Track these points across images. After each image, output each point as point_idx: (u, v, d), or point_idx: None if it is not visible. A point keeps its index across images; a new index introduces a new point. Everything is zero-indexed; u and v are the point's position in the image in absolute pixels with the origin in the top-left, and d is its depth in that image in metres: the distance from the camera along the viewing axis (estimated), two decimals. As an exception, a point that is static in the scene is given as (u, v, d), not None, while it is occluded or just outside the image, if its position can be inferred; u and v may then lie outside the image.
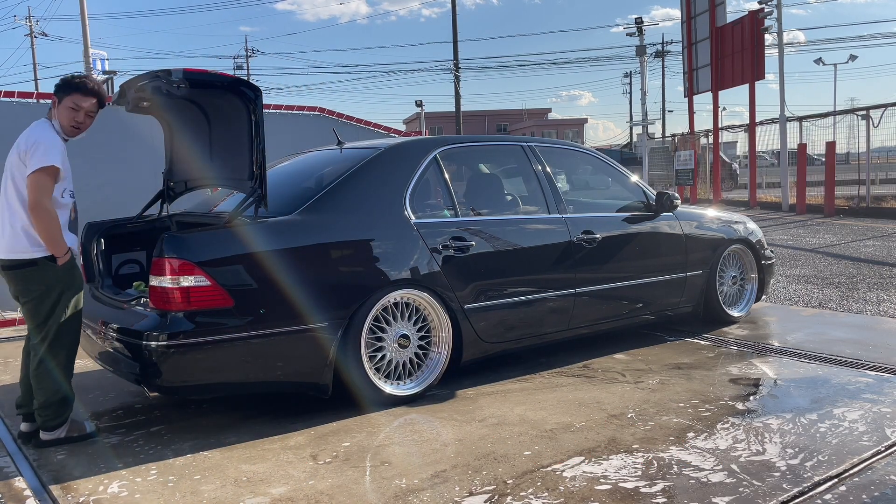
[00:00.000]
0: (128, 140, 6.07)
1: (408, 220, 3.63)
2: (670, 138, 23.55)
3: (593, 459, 2.77)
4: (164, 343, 2.96)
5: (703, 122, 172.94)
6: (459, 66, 32.40)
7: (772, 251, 5.43)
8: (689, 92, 20.42)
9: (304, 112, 7.58)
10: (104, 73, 20.09)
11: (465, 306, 3.70)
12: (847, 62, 39.10)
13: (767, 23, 16.95)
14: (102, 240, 3.94)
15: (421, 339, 3.64)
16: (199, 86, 3.32)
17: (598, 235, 4.25)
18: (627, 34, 30.92)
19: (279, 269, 3.16)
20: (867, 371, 3.83)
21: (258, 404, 3.57)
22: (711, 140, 19.71)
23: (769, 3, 16.90)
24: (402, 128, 14.35)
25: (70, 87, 3.09)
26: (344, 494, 2.54)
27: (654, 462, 2.73)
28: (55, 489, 2.67)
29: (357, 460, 2.84)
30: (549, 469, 2.69)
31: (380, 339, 3.49)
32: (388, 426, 3.23)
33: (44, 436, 3.11)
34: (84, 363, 4.48)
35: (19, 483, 2.76)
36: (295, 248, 3.29)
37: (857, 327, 4.88)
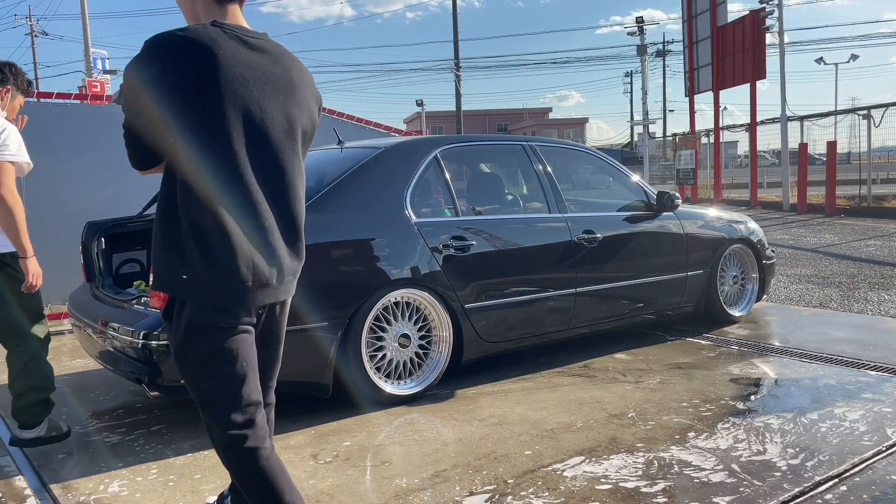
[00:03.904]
0: (128, 139, 6.07)
1: (408, 220, 3.63)
2: (671, 137, 23.55)
3: (594, 459, 2.77)
4: (165, 342, 2.96)
5: (703, 121, 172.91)
6: (460, 65, 32.39)
7: (773, 251, 5.43)
8: (690, 91, 20.41)
9: (305, 111, 7.57)
10: (105, 71, 20.06)
11: (466, 306, 3.70)
12: (848, 62, 39.10)
13: (768, 22, 16.95)
14: (103, 239, 3.94)
15: (421, 338, 3.64)
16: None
17: (598, 235, 4.25)
18: (628, 34, 30.90)
19: (280, 268, 3.16)
20: (868, 371, 3.83)
21: (259, 404, 3.56)
22: (713, 139, 19.70)
23: (770, 3, 16.89)
24: (403, 127, 14.36)
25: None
26: (344, 494, 2.54)
27: (655, 462, 2.73)
28: (56, 488, 2.67)
29: (358, 460, 2.84)
30: (549, 469, 2.69)
31: (380, 339, 3.49)
32: (388, 426, 3.23)
33: (24, 434, 3.04)
34: (85, 362, 4.49)
35: (20, 482, 2.76)
36: (295, 247, 3.28)
37: (858, 327, 4.87)
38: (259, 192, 1.75)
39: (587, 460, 2.76)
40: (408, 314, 3.59)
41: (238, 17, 1.85)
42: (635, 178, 4.87)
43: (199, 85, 1.67)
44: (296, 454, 2.92)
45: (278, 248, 1.79)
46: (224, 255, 1.70)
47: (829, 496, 2.41)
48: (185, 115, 1.67)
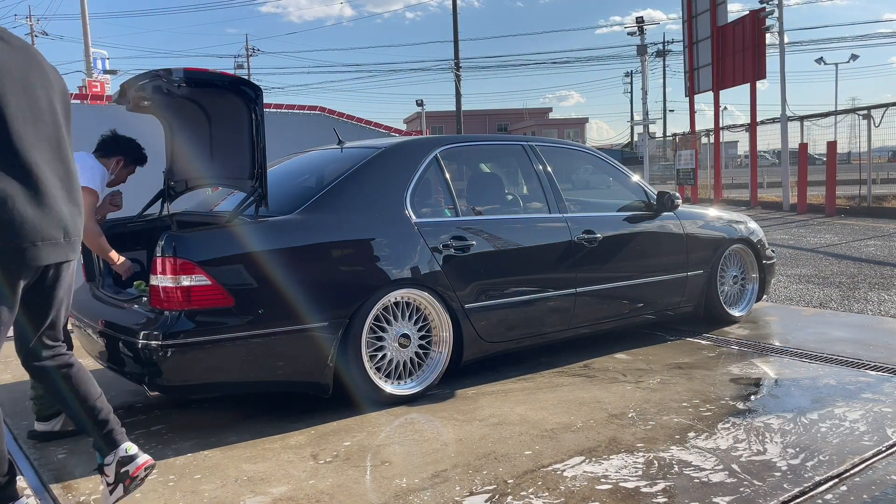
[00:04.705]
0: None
1: (408, 220, 3.63)
2: (671, 137, 23.56)
3: (594, 459, 2.77)
4: (165, 342, 2.96)
5: (703, 121, 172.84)
6: (460, 65, 32.38)
7: (773, 251, 5.43)
8: (691, 91, 20.42)
9: (305, 111, 7.59)
10: (105, 71, 20.03)
11: (466, 306, 3.70)
12: (848, 62, 39.13)
13: (769, 22, 16.95)
14: (103, 239, 3.93)
15: (421, 338, 3.64)
16: (200, 85, 3.32)
17: (598, 235, 4.25)
18: (628, 34, 30.93)
19: (280, 268, 3.16)
20: (868, 371, 3.83)
21: (258, 404, 3.57)
22: (713, 139, 19.70)
23: (770, 3, 16.90)
24: (403, 127, 14.35)
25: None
26: (344, 494, 2.54)
27: (655, 462, 2.73)
28: (56, 488, 2.67)
29: (357, 460, 2.84)
30: (549, 469, 2.69)
31: (380, 339, 3.49)
32: (388, 426, 3.23)
33: (38, 426, 3.15)
34: (85, 362, 4.48)
35: (20, 482, 2.75)
36: (295, 247, 3.29)
37: (858, 327, 4.88)
38: (40, 163, 2.09)
39: (587, 460, 2.76)
40: (408, 314, 3.59)
41: None
42: (635, 178, 4.87)
43: None
44: (296, 454, 2.92)
45: (61, 210, 2.12)
46: (9, 217, 2.00)
47: (829, 496, 2.41)
48: None
